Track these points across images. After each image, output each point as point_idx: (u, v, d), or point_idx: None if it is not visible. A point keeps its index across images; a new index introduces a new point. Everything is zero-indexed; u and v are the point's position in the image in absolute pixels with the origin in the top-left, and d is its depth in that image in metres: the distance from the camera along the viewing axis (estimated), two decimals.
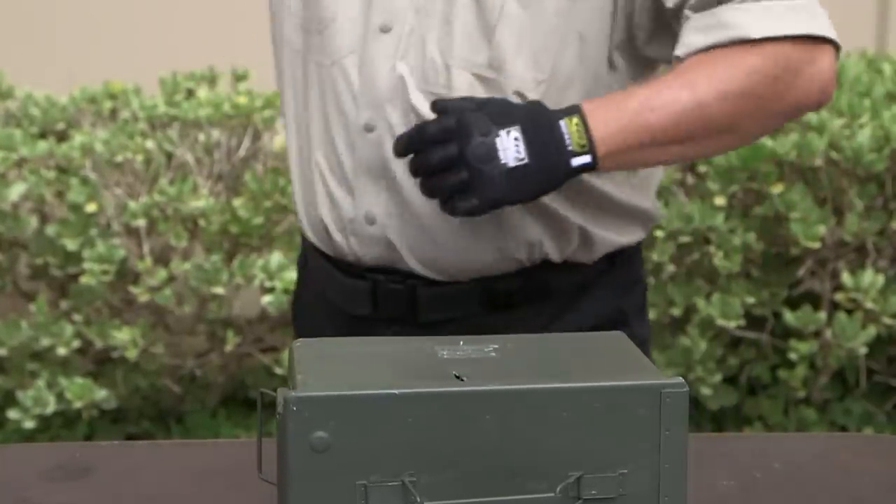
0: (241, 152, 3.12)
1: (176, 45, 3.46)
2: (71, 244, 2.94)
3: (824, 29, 1.43)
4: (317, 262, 1.65)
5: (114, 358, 3.06)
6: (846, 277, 2.94)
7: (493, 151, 1.36)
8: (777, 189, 2.95)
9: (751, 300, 3.00)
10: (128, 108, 3.19)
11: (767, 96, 1.42)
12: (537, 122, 1.38)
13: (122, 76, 3.28)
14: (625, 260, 1.63)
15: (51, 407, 2.93)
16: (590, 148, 1.38)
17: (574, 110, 1.39)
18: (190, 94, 3.27)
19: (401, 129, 1.48)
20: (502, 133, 1.37)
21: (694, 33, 1.43)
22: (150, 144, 3.05)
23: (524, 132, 1.37)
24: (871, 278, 2.92)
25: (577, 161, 1.38)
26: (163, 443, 2.31)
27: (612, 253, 1.61)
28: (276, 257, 2.93)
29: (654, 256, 2.98)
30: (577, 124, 1.38)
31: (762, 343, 3.14)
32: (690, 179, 3.11)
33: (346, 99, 1.52)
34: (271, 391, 1.09)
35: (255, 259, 2.95)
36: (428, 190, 1.41)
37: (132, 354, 2.95)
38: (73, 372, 3.02)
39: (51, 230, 2.98)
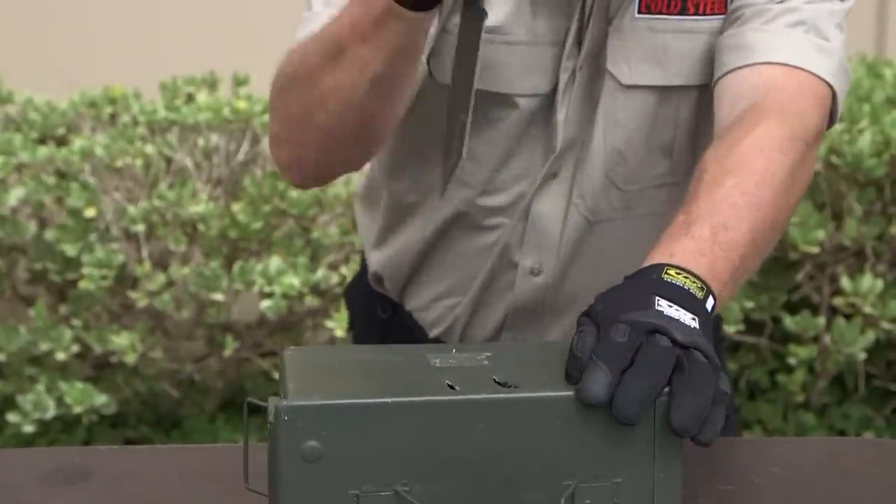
0: (241, 157, 3.12)
1: (176, 49, 3.47)
2: (70, 249, 2.94)
3: (842, 86, 1.36)
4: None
5: (113, 363, 3.06)
6: (845, 282, 2.94)
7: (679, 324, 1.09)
8: None
9: (750, 305, 3.00)
10: (127, 113, 3.19)
11: (799, 162, 1.29)
12: (662, 287, 1.12)
13: (122, 81, 3.29)
14: None
15: (50, 411, 2.93)
16: (705, 288, 1.12)
17: (657, 267, 1.13)
18: (190, 98, 3.27)
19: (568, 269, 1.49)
20: (662, 303, 1.09)
21: (724, 52, 1.36)
22: (149, 149, 3.05)
23: (666, 298, 1.11)
24: (869, 283, 2.92)
25: (708, 305, 1.12)
26: (161, 447, 2.30)
27: None
28: (274, 262, 2.93)
29: None
30: (676, 273, 1.12)
31: (761, 347, 3.14)
32: None
33: (510, 242, 1.51)
34: (260, 400, 1.09)
35: (254, 264, 2.95)
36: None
37: (131, 359, 2.95)
38: (73, 376, 3.02)
39: (50, 235, 2.99)
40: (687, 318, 1.07)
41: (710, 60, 1.38)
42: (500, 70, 1.40)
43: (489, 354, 1.15)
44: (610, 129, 1.42)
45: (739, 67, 1.34)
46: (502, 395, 1.05)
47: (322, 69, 1.26)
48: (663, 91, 1.41)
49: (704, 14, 1.38)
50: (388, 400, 1.03)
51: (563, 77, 1.41)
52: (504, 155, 1.46)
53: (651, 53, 1.39)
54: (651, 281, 1.11)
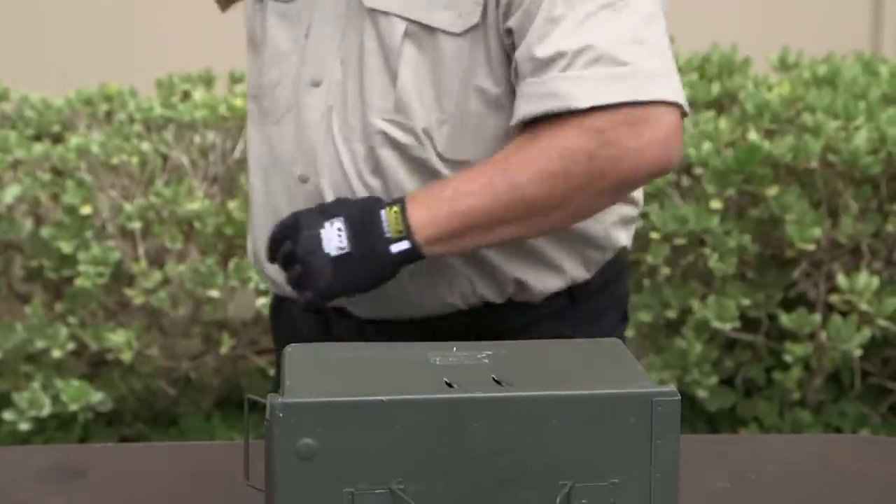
0: (236, 154, 3.12)
1: (172, 47, 3.46)
2: (66, 246, 2.94)
3: (660, 93, 1.41)
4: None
5: (109, 360, 3.05)
6: (841, 279, 2.94)
7: (317, 242, 1.43)
8: (772, 191, 2.95)
9: (746, 302, 3.00)
10: (123, 110, 3.19)
11: (584, 174, 1.42)
12: (362, 212, 1.45)
13: (118, 78, 3.28)
14: (590, 293, 1.61)
15: (46, 409, 2.93)
16: (407, 234, 1.43)
17: (397, 201, 1.45)
18: (186, 96, 3.26)
19: (329, 178, 1.52)
20: (326, 224, 1.44)
21: (523, 101, 1.43)
22: (145, 146, 3.05)
23: (348, 222, 1.44)
24: (865, 280, 2.92)
25: (395, 247, 1.43)
26: (157, 445, 2.31)
27: (571, 288, 1.59)
28: None
29: (649, 258, 2.98)
30: (395, 212, 1.43)
31: (757, 345, 3.14)
32: (686, 182, 3.11)
33: (285, 152, 1.56)
34: (260, 397, 1.09)
35: (250, 262, 2.95)
36: (287, 282, 1.49)
37: (127, 357, 2.95)
38: (69, 374, 3.02)
39: (46, 232, 2.98)
40: (334, 242, 1.42)
41: (437, 4, 1.46)
42: None
43: (490, 353, 1.15)
44: (358, 48, 1.51)
45: (545, 116, 1.42)
46: (498, 394, 1.05)
47: None
48: (391, 19, 1.48)
49: None
50: (384, 398, 1.03)
51: None
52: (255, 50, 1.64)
53: None
54: (363, 205, 1.45)
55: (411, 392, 1.05)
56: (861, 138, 2.92)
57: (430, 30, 1.47)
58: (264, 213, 1.61)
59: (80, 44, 3.59)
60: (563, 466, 1.05)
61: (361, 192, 1.51)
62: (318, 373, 1.11)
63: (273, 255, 1.51)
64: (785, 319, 2.98)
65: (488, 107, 1.49)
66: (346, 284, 1.45)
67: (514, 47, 1.46)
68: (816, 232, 2.92)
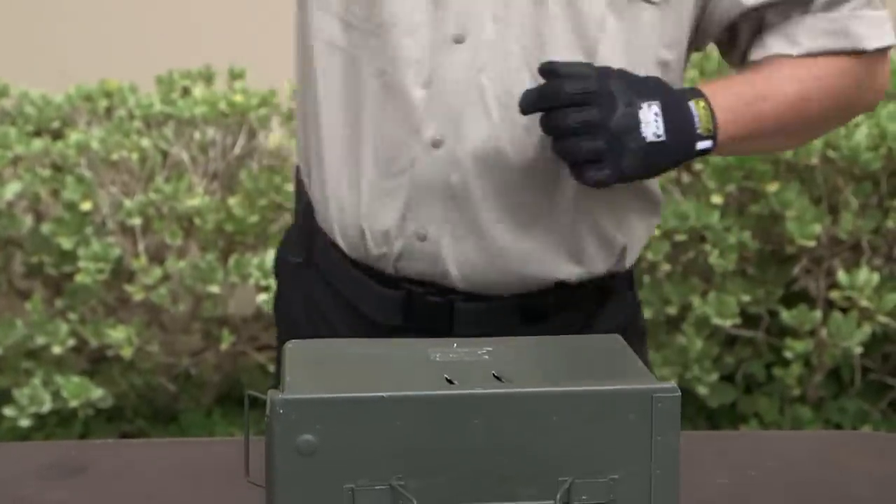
0: (237, 150, 3.12)
1: (172, 43, 3.46)
2: (66, 243, 2.94)
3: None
4: (334, 263, 1.55)
5: (109, 356, 3.06)
6: (841, 276, 2.94)
7: (635, 123, 1.33)
8: (773, 188, 2.95)
9: (746, 298, 3.00)
10: (123, 107, 3.18)
11: (854, 100, 1.51)
12: (672, 98, 1.37)
13: (118, 74, 3.28)
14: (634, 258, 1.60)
15: (46, 405, 2.93)
16: (713, 133, 1.38)
17: (698, 93, 1.39)
18: (186, 92, 3.26)
19: (475, 145, 1.41)
20: (644, 106, 1.34)
21: (814, 35, 1.46)
22: (145, 143, 3.05)
23: (663, 108, 1.35)
24: (866, 277, 2.92)
25: (701, 144, 1.38)
26: (158, 441, 2.31)
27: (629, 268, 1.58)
28: (271, 256, 2.93)
29: (650, 255, 2.98)
30: (703, 108, 1.38)
31: (758, 341, 3.14)
32: (686, 178, 3.11)
33: (410, 111, 1.42)
34: (260, 393, 1.09)
35: (251, 258, 2.95)
36: (561, 150, 1.35)
37: (127, 353, 2.95)
38: (69, 370, 3.02)
39: (46, 229, 2.98)
40: (651, 128, 1.33)
41: None
42: None
43: (490, 349, 1.14)
44: (533, 8, 1.40)
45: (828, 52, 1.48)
46: (498, 390, 1.05)
47: None
48: None
49: None
50: (384, 394, 1.03)
51: None
52: None
53: None
54: (673, 92, 1.37)
55: (411, 388, 1.05)
56: (861, 134, 2.92)
57: None
58: (376, 163, 1.45)
59: (80, 40, 3.59)
60: (563, 462, 1.05)
61: (522, 165, 1.42)
62: (318, 369, 1.11)
63: (528, 107, 1.34)
64: (785, 316, 2.98)
65: (664, 75, 1.45)
66: (644, 171, 1.37)
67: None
68: (817, 228, 2.92)
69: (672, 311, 3.02)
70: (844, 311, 2.98)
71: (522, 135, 1.42)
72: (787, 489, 1.33)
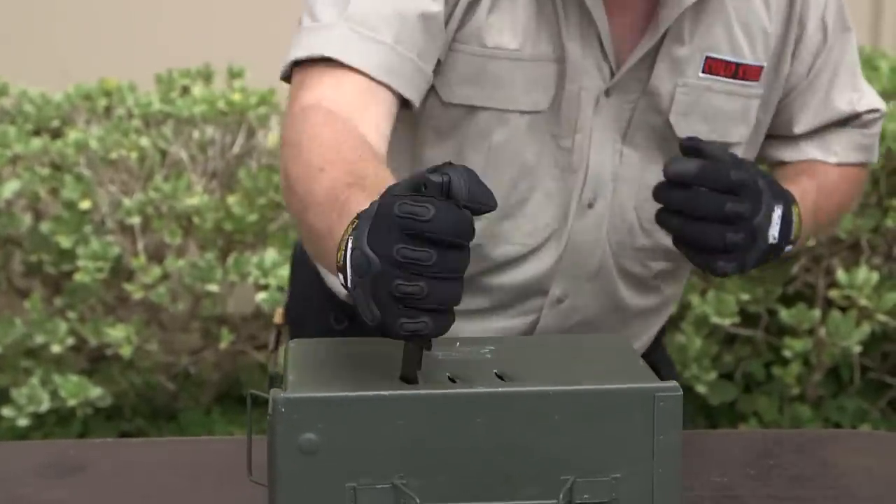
0: (236, 149, 3.12)
1: (171, 41, 3.46)
2: (65, 241, 2.94)
3: None
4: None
5: (108, 355, 3.05)
6: (840, 275, 2.94)
7: (768, 224, 1.38)
8: None
9: (745, 297, 3.00)
10: (122, 105, 3.18)
11: (854, 205, 1.74)
12: (788, 204, 1.42)
13: (117, 73, 3.28)
14: None
15: (45, 404, 2.93)
16: (797, 240, 1.44)
17: (794, 199, 1.44)
18: (185, 91, 3.26)
19: (598, 302, 1.54)
20: (776, 208, 1.39)
21: (849, 148, 1.60)
22: (144, 142, 3.04)
23: (783, 213, 1.40)
24: (865, 275, 2.92)
25: (787, 248, 1.43)
26: (157, 440, 2.31)
27: None
28: (270, 255, 2.93)
29: None
30: (798, 215, 1.43)
31: (757, 340, 3.14)
32: None
33: (538, 272, 1.53)
34: (263, 392, 1.09)
35: (250, 256, 2.95)
36: (697, 233, 1.37)
37: (126, 352, 2.94)
38: (68, 369, 3.02)
39: (45, 227, 2.98)
40: (774, 230, 1.38)
41: (740, 122, 1.52)
42: (501, 86, 1.43)
43: (493, 348, 1.14)
44: (641, 165, 1.50)
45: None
46: (500, 389, 1.05)
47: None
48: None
49: (747, 79, 1.50)
50: (386, 393, 1.03)
51: (584, 98, 1.45)
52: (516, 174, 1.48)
53: (704, 109, 1.49)
54: (788, 197, 1.41)
55: (414, 387, 1.05)
56: None
57: (729, 145, 1.51)
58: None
59: (79, 39, 3.59)
60: (564, 461, 1.05)
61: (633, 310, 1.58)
62: (320, 368, 1.11)
63: (701, 181, 1.36)
64: (784, 315, 2.98)
65: None
66: (754, 268, 1.42)
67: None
68: None
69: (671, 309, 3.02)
70: (843, 309, 2.98)
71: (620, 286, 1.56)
72: (785, 488, 1.33)
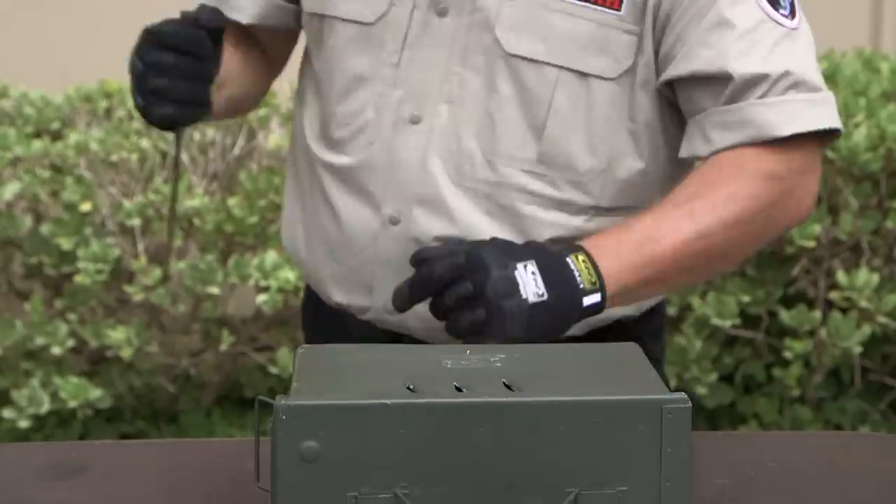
0: (236, 151, 3.12)
1: None
2: (65, 243, 2.94)
3: (837, 121, 1.44)
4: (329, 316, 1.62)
5: (108, 357, 3.05)
6: (841, 276, 2.94)
7: (513, 286, 1.29)
8: None
9: (746, 299, 3.00)
10: (123, 107, 3.18)
11: (762, 222, 1.42)
12: (548, 256, 1.33)
13: (118, 75, 3.27)
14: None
15: (45, 406, 2.93)
16: (600, 286, 1.33)
17: (577, 248, 1.35)
18: None
19: (429, 223, 1.46)
20: (520, 266, 1.30)
21: (717, 130, 1.42)
22: (145, 143, 3.04)
23: (540, 267, 1.31)
24: (865, 277, 2.92)
25: (588, 300, 1.32)
26: (157, 442, 2.31)
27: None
28: (270, 256, 2.93)
29: None
30: (584, 261, 1.33)
31: (757, 342, 3.14)
32: None
33: (367, 189, 1.49)
34: (269, 398, 1.08)
35: (250, 258, 2.95)
36: (449, 331, 1.33)
37: (127, 354, 2.95)
38: (68, 371, 3.02)
39: (45, 229, 2.98)
40: (531, 287, 1.29)
41: (597, 52, 1.43)
42: None
43: (503, 356, 1.13)
44: (485, 91, 1.45)
45: (739, 145, 1.41)
46: (504, 399, 1.04)
47: None
48: (540, 67, 1.43)
49: (602, 5, 1.43)
50: (388, 401, 1.02)
51: (416, 16, 1.46)
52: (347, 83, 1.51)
53: (538, 27, 1.43)
54: (548, 251, 1.33)
55: (418, 396, 1.04)
56: (861, 135, 2.92)
57: (582, 76, 1.43)
58: (335, 248, 1.53)
59: (80, 41, 3.59)
60: (569, 473, 1.03)
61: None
62: (327, 375, 1.10)
63: (404, 304, 1.35)
64: (785, 316, 2.98)
65: (635, 149, 1.47)
66: (531, 334, 1.30)
67: (667, 84, 1.45)
68: (816, 229, 2.92)
69: (672, 311, 3.02)
70: (844, 311, 2.98)
71: (480, 219, 1.46)
72: (786, 489, 1.33)
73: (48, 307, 3.06)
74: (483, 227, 1.46)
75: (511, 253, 1.32)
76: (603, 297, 1.33)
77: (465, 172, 1.46)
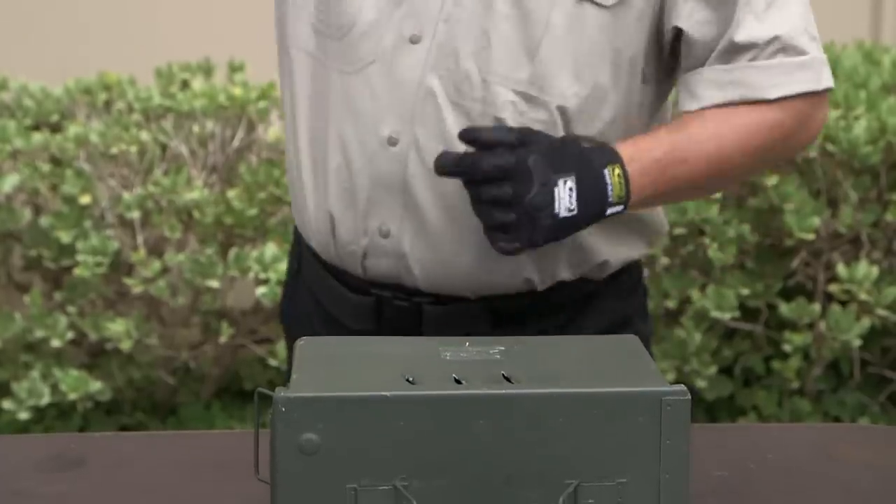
0: (236, 143, 3.12)
1: (171, 35, 3.46)
2: (65, 236, 2.94)
3: (829, 81, 1.49)
4: (315, 272, 1.60)
5: (108, 350, 3.05)
6: (840, 269, 2.94)
7: (549, 201, 1.35)
8: (772, 181, 2.95)
9: (745, 292, 3.00)
10: (122, 100, 3.18)
11: (780, 149, 1.51)
12: (588, 171, 1.38)
13: (117, 67, 3.28)
14: (630, 266, 1.61)
15: (45, 398, 2.93)
16: (626, 200, 1.40)
17: (616, 159, 1.40)
18: (185, 85, 3.26)
19: (428, 143, 1.44)
20: (560, 183, 1.35)
21: (709, 87, 1.47)
22: (144, 136, 3.04)
23: (578, 183, 1.36)
24: (865, 270, 2.92)
25: (611, 210, 1.40)
26: (156, 434, 2.31)
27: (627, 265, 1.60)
28: (270, 249, 2.93)
29: None
30: (619, 176, 1.39)
31: (756, 335, 3.14)
32: None
33: (368, 110, 1.47)
34: (269, 390, 1.08)
35: (250, 251, 2.95)
36: (476, 213, 1.39)
37: (126, 346, 2.95)
38: (68, 364, 3.02)
39: (45, 222, 2.98)
40: (565, 203, 1.35)
41: None
42: None
43: (503, 348, 1.13)
44: (482, 9, 1.44)
45: (728, 103, 1.46)
46: (503, 391, 1.04)
47: None
48: None
49: None
50: (388, 394, 1.02)
51: None
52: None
53: None
54: (591, 162, 1.38)
55: (416, 388, 1.04)
56: (861, 128, 2.92)
57: (579, 0, 1.43)
58: (340, 163, 1.50)
59: (79, 33, 3.58)
60: (569, 465, 1.04)
61: None
62: (326, 367, 1.10)
63: (443, 172, 1.38)
64: (784, 309, 2.98)
65: (614, 85, 1.47)
66: (553, 239, 1.38)
67: (668, 28, 1.47)
68: (816, 222, 2.92)
69: (671, 304, 3.02)
70: (843, 304, 2.98)
71: None
72: (785, 482, 1.33)
73: (48, 300, 3.06)
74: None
75: (555, 164, 1.36)
76: (624, 208, 1.41)
77: (463, 92, 1.45)
